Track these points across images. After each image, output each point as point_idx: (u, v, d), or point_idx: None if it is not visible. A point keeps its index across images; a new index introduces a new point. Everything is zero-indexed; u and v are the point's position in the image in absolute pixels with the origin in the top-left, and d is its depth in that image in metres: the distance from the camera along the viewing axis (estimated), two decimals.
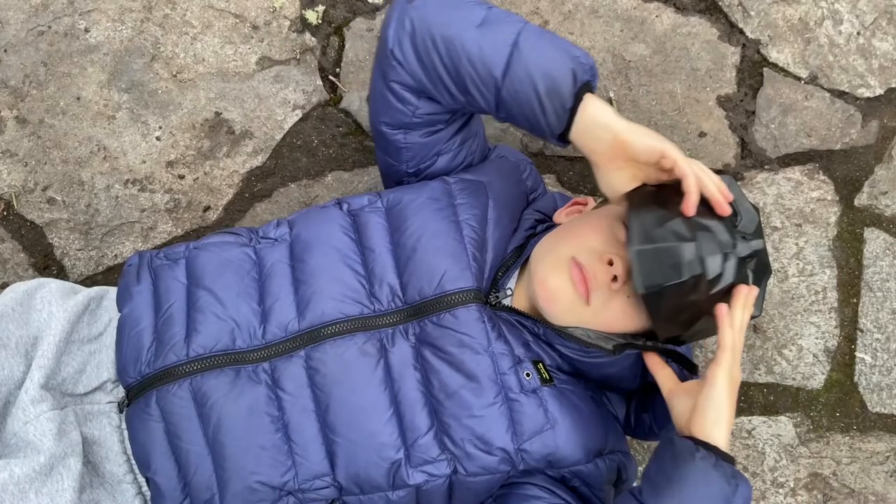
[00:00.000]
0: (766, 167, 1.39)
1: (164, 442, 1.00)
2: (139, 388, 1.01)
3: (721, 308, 0.94)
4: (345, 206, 1.10)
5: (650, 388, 1.11)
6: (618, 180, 0.98)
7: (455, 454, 0.99)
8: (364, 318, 1.01)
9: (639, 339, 1.05)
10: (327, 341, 1.00)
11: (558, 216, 1.13)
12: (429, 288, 1.01)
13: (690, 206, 0.93)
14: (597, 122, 0.95)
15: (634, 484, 1.13)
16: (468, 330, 1.00)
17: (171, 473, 1.00)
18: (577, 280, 0.98)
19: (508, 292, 1.05)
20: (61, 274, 1.32)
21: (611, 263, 0.97)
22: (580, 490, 1.03)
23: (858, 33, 1.41)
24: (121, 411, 1.03)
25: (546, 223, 1.14)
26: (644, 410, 1.12)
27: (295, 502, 1.00)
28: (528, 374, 1.01)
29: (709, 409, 0.91)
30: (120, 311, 1.07)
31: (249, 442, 0.99)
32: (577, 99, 0.95)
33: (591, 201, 1.14)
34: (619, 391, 1.13)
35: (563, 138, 0.98)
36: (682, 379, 1.02)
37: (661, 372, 1.01)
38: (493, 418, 0.99)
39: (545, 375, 1.02)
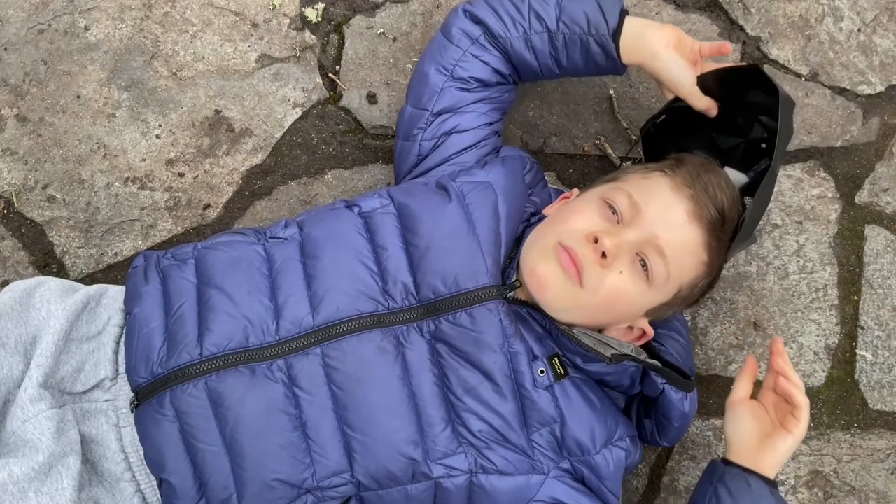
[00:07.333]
0: None
1: (178, 442, 1.00)
2: (150, 389, 1.01)
3: (786, 381, 1.07)
4: (355, 209, 1.11)
5: (648, 398, 1.12)
6: (684, 63, 1.14)
7: (474, 445, 1.01)
8: (379, 314, 1.02)
9: (641, 354, 1.06)
10: (344, 338, 1.00)
11: (548, 211, 1.14)
12: (444, 286, 1.02)
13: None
14: (648, 22, 1.16)
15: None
16: (484, 329, 1.01)
17: (187, 474, 1.00)
18: (566, 263, 1.00)
19: (516, 284, 1.06)
20: (61, 272, 1.32)
21: (596, 241, 0.98)
22: (589, 482, 1.05)
23: (859, 30, 1.41)
24: (131, 411, 1.03)
25: (540, 215, 1.15)
26: (646, 416, 1.13)
27: (313, 500, 1.00)
28: (542, 371, 1.03)
29: (782, 454, 1.06)
30: (129, 312, 1.07)
31: (268, 441, 0.99)
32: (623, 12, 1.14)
33: (577, 192, 1.15)
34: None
35: (616, 40, 1.13)
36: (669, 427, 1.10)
37: (744, 382, 1.13)
38: (508, 413, 1.01)
39: (559, 370, 1.04)
